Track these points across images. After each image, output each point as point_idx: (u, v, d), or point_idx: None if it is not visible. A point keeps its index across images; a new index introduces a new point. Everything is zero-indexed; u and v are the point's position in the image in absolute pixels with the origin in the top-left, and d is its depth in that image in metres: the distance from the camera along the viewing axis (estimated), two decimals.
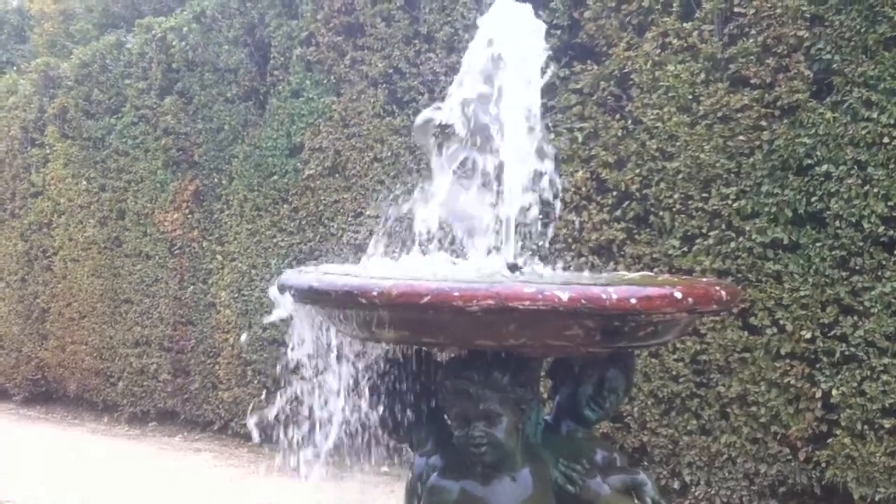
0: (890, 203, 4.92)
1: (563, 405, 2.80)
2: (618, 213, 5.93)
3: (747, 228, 5.38)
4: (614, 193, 5.94)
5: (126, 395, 9.53)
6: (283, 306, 2.53)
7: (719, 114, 5.46)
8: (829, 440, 5.21)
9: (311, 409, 2.76)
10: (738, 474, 5.52)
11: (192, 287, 8.83)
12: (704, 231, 5.55)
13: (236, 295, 8.29)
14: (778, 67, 5.30)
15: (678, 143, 5.63)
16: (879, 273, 4.99)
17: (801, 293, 5.20)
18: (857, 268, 5.05)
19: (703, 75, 5.54)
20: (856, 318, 5.06)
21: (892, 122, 4.91)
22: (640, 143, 5.79)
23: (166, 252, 9.02)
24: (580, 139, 6.06)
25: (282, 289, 2.51)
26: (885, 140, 4.93)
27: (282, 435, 2.90)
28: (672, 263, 5.66)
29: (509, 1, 2.86)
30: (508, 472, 2.45)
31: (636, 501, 2.65)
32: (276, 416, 2.83)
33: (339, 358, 2.71)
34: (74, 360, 10.11)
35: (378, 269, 2.71)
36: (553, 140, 6.06)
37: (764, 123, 5.33)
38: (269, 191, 8.04)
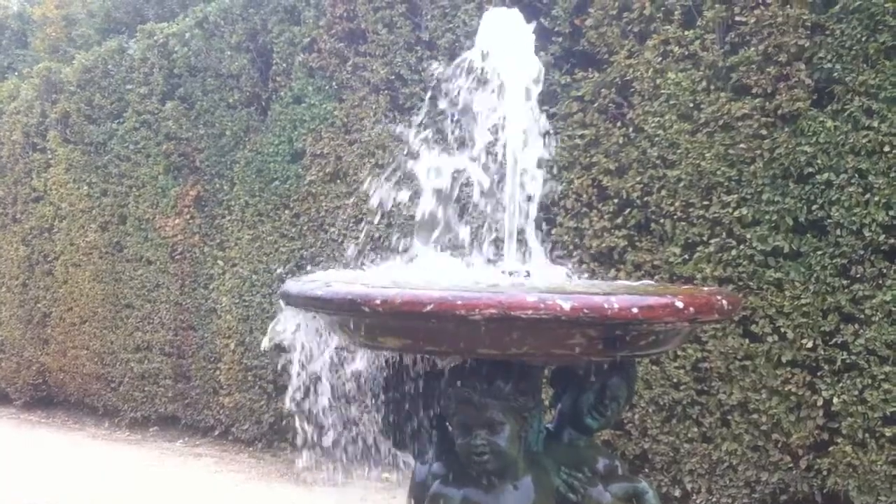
0: (891, 211, 4.93)
1: (564, 413, 2.81)
2: (619, 220, 5.94)
3: (748, 236, 5.39)
4: (615, 201, 5.95)
5: (127, 400, 9.54)
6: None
7: (720, 122, 5.47)
8: (831, 448, 5.21)
9: (315, 416, 2.77)
10: (740, 482, 5.52)
11: (193, 292, 8.84)
12: (705, 239, 5.56)
13: (237, 300, 8.30)
14: (779, 76, 5.31)
15: (679, 151, 5.64)
16: (880, 281, 5.00)
17: (802, 301, 5.21)
18: (858, 276, 5.06)
19: (704, 83, 5.56)
20: (857, 326, 5.07)
21: (892, 130, 4.91)
22: (642, 151, 5.81)
23: (167, 257, 9.03)
24: (581, 146, 6.07)
25: (285, 297, 2.52)
26: (886, 148, 4.93)
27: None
28: (673, 271, 5.67)
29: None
30: (510, 480, 2.46)
31: None
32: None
33: (341, 365, 2.72)
34: (75, 364, 10.11)
35: (382, 277, 2.72)
36: (554, 147, 6.08)
37: (765, 132, 5.34)
38: (271, 196, 8.05)
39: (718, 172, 5.47)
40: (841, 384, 5.12)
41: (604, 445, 5.40)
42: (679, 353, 5.60)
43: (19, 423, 10.32)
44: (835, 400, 5.13)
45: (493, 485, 2.44)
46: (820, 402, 5.21)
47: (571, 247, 6.10)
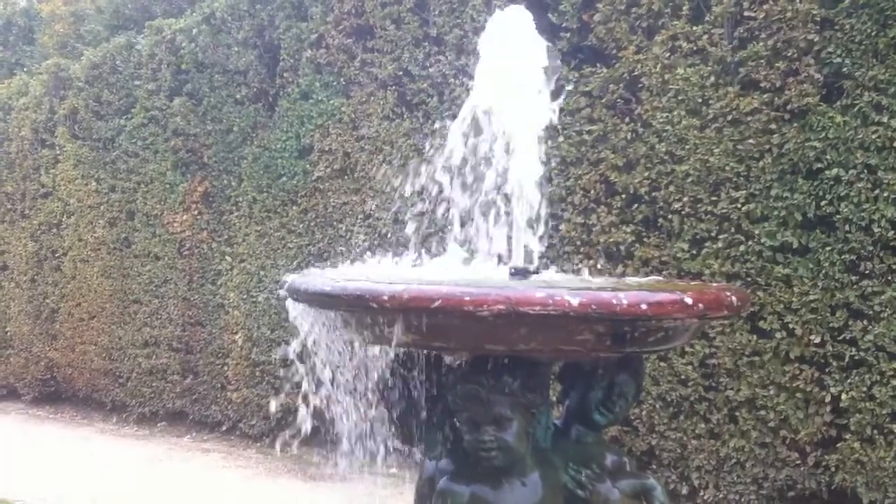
0: None
1: (572, 409, 2.80)
2: (626, 215, 5.93)
3: (756, 232, 5.38)
4: (623, 196, 5.94)
5: (135, 396, 9.56)
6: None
7: (729, 117, 5.46)
8: (839, 444, 5.20)
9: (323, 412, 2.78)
10: (747, 478, 5.51)
11: (201, 288, 8.86)
12: (713, 234, 5.55)
13: (245, 296, 8.31)
14: (788, 71, 5.30)
15: (687, 147, 5.62)
16: (889, 277, 4.98)
17: (811, 297, 5.19)
18: (867, 272, 5.04)
19: (712, 78, 5.54)
20: (865, 322, 5.05)
21: None
22: (650, 147, 5.79)
23: (175, 253, 9.05)
24: (589, 142, 6.06)
25: (292, 293, 2.52)
26: (895, 144, 4.92)
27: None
28: (681, 267, 5.65)
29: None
30: (518, 476, 2.45)
31: None
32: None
33: (349, 361, 2.72)
34: (84, 360, 10.14)
35: (390, 272, 2.72)
36: (562, 143, 6.07)
37: (774, 127, 5.33)
38: (279, 192, 8.05)
39: (727, 168, 5.46)
40: (849, 380, 5.11)
41: (611, 442, 5.40)
42: (687, 349, 5.59)
43: (28, 418, 10.36)
44: (843, 396, 5.12)
45: (500, 481, 2.44)
46: (828, 399, 5.20)
47: (579, 243, 6.09)
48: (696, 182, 5.59)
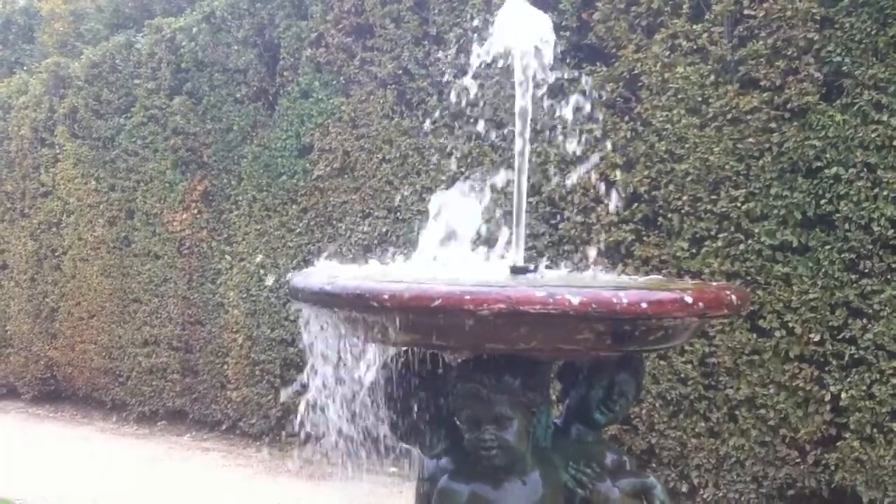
0: None
1: (572, 408, 2.80)
2: (626, 214, 5.93)
3: (756, 231, 5.38)
4: (623, 195, 5.94)
5: (135, 395, 9.56)
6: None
7: (729, 116, 5.46)
8: (838, 443, 5.20)
9: (322, 410, 2.78)
10: (747, 477, 5.52)
11: (200, 287, 8.86)
12: (713, 233, 5.55)
13: (245, 295, 8.31)
14: (788, 70, 5.30)
15: (687, 145, 5.62)
16: (889, 276, 4.99)
17: (810, 296, 5.20)
18: (867, 271, 5.04)
19: (712, 77, 5.54)
20: (865, 321, 5.06)
21: None
22: (649, 145, 5.79)
23: (175, 252, 9.05)
24: (589, 140, 6.06)
25: (292, 292, 2.52)
26: (895, 143, 4.92)
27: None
28: (680, 265, 5.66)
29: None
30: (519, 475, 2.45)
31: None
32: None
33: (350, 360, 2.72)
34: (83, 359, 10.14)
35: (389, 271, 2.72)
36: (562, 141, 6.07)
37: (773, 126, 5.33)
38: (278, 191, 8.06)
39: (726, 167, 5.46)
40: (849, 379, 5.11)
41: (611, 440, 5.40)
42: (686, 347, 5.59)
43: (27, 417, 10.36)
44: (843, 395, 5.12)
45: (501, 480, 2.44)
46: (828, 397, 5.20)
47: (579, 241, 6.09)
48: (695, 181, 5.59)
